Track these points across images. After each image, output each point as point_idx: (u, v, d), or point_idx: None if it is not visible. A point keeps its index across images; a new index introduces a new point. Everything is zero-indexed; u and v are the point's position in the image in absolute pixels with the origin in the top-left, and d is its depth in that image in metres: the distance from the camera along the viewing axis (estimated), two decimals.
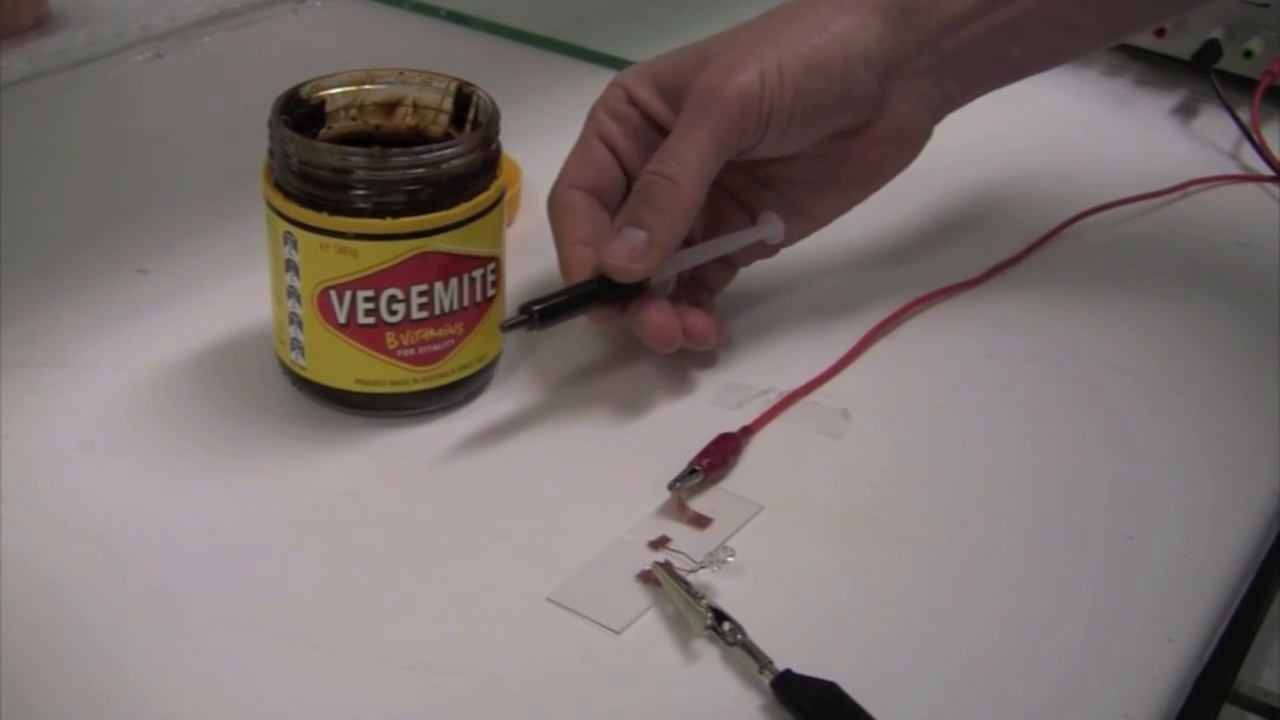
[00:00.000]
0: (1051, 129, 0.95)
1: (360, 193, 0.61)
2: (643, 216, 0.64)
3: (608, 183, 0.67)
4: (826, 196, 0.71)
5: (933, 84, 0.69)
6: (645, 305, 0.65)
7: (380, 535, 0.60)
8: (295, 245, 0.62)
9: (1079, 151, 0.93)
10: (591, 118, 0.68)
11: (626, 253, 0.63)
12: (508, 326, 0.62)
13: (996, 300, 0.77)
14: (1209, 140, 0.96)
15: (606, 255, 0.64)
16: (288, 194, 0.62)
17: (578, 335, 0.71)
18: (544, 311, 0.62)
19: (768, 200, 0.71)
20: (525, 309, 0.62)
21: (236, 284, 0.71)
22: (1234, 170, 0.92)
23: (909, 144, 0.71)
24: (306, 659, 0.53)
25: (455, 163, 0.61)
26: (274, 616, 0.55)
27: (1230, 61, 0.99)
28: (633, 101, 0.67)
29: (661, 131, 0.66)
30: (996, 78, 0.72)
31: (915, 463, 0.66)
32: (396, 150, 0.61)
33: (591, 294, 0.65)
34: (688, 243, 0.69)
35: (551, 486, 0.62)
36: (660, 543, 0.59)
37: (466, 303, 0.64)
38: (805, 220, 0.71)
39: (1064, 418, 0.69)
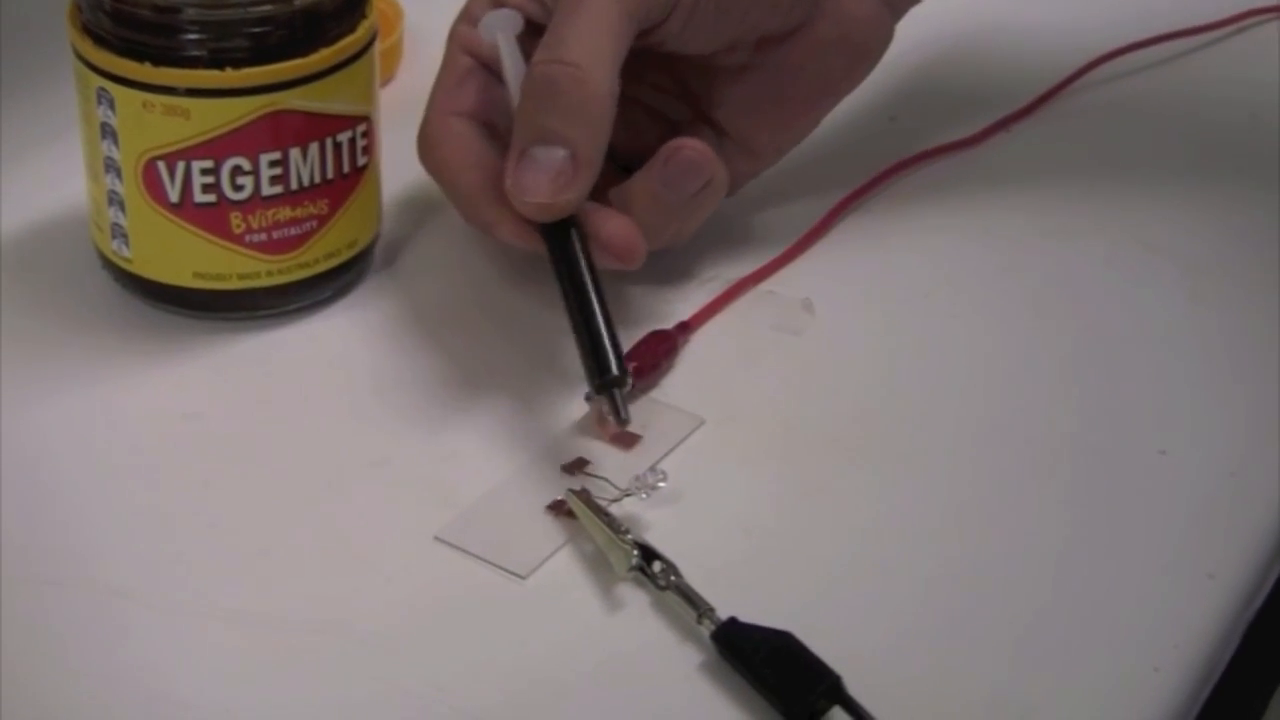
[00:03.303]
0: None
1: (192, 37, 0.61)
2: (552, 126, 0.61)
3: (493, 105, 0.66)
4: (762, 122, 0.70)
5: None
6: (596, 214, 0.64)
7: (227, 466, 0.60)
8: (112, 105, 0.62)
9: None
10: (452, 35, 0.67)
11: (549, 181, 0.61)
12: (621, 419, 0.59)
13: (998, 163, 0.78)
14: None
15: (521, 192, 0.61)
16: (100, 40, 0.62)
17: None
18: (618, 359, 0.60)
19: (693, 125, 0.70)
20: (605, 380, 0.59)
21: (40, 158, 0.71)
22: None
23: (860, 51, 0.70)
24: (138, 619, 0.54)
25: None
26: (96, 570, 0.56)
27: None
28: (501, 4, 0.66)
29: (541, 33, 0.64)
30: None
31: (894, 365, 0.67)
32: None
33: (568, 251, 0.62)
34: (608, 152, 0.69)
35: (441, 401, 0.63)
36: (576, 466, 0.60)
37: (331, 174, 0.64)
38: (742, 154, 0.70)
39: (1081, 306, 0.70)
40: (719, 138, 0.70)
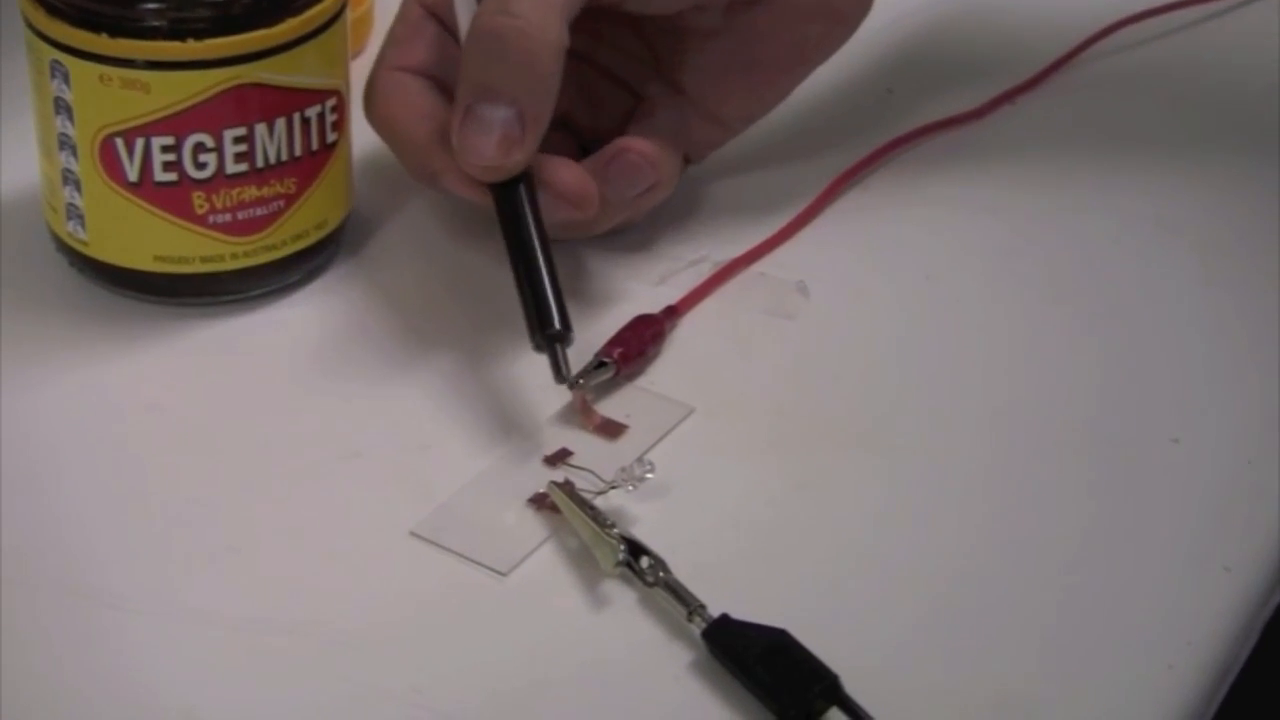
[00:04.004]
0: None
1: (152, 6, 0.61)
2: (497, 82, 0.61)
3: (445, 62, 0.66)
4: (731, 89, 0.71)
5: None
6: (546, 163, 0.65)
7: (191, 460, 0.60)
8: (66, 79, 0.62)
9: None
10: None
11: (497, 143, 0.61)
12: (563, 376, 0.60)
13: (1002, 138, 0.78)
14: None
15: (467, 155, 0.62)
16: (53, 10, 0.62)
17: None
18: (561, 313, 0.61)
19: (657, 92, 0.71)
20: (547, 335, 0.60)
21: None
22: None
23: (835, 18, 0.71)
24: (100, 620, 0.54)
25: None
26: (54, 569, 0.56)
27: None
28: None
29: None
30: None
31: (893, 350, 0.67)
32: None
33: (515, 204, 0.63)
34: (564, 124, 0.69)
35: (416, 390, 0.63)
36: (559, 457, 0.60)
37: (299, 151, 0.64)
38: (709, 123, 0.71)
39: (1090, 288, 0.70)
40: (685, 106, 0.70)
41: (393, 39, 0.67)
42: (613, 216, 0.68)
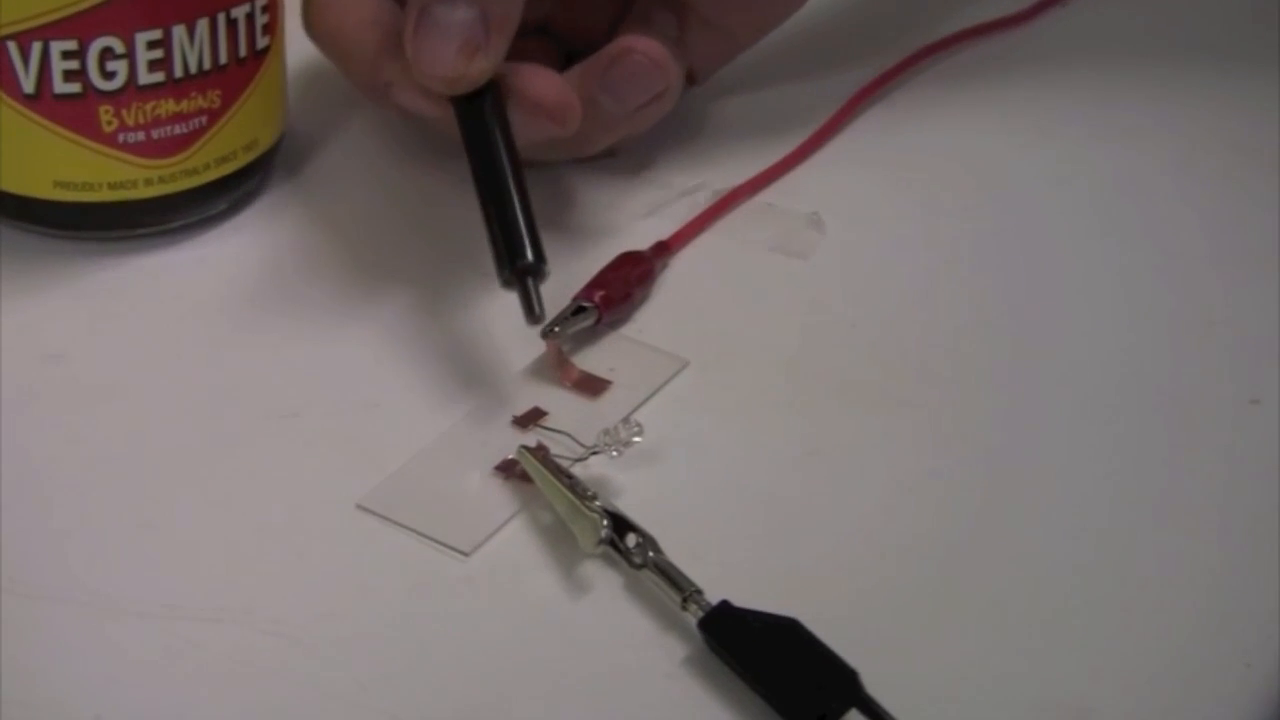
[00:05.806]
0: None
1: None
2: None
3: None
4: (740, 2, 0.71)
5: None
6: (518, 72, 0.65)
7: (100, 419, 0.60)
8: None
9: None
10: None
11: (456, 50, 0.61)
12: (535, 315, 0.60)
13: (1051, 46, 0.79)
14: None
15: (423, 64, 0.62)
16: None
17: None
18: (534, 242, 0.61)
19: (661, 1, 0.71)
20: (517, 267, 0.60)
21: None
22: None
23: None
24: None
25: None
26: None
27: None
28: None
29: None
30: None
31: (921, 294, 0.67)
32: None
33: (480, 118, 0.63)
34: (544, 31, 0.70)
35: (364, 339, 0.64)
36: (530, 418, 0.61)
37: (225, 59, 0.64)
38: (712, 33, 0.72)
39: (1153, 221, 0.71)
40: (684, 12, 0.70)
41: None
42: (610, 132, 0.68)
